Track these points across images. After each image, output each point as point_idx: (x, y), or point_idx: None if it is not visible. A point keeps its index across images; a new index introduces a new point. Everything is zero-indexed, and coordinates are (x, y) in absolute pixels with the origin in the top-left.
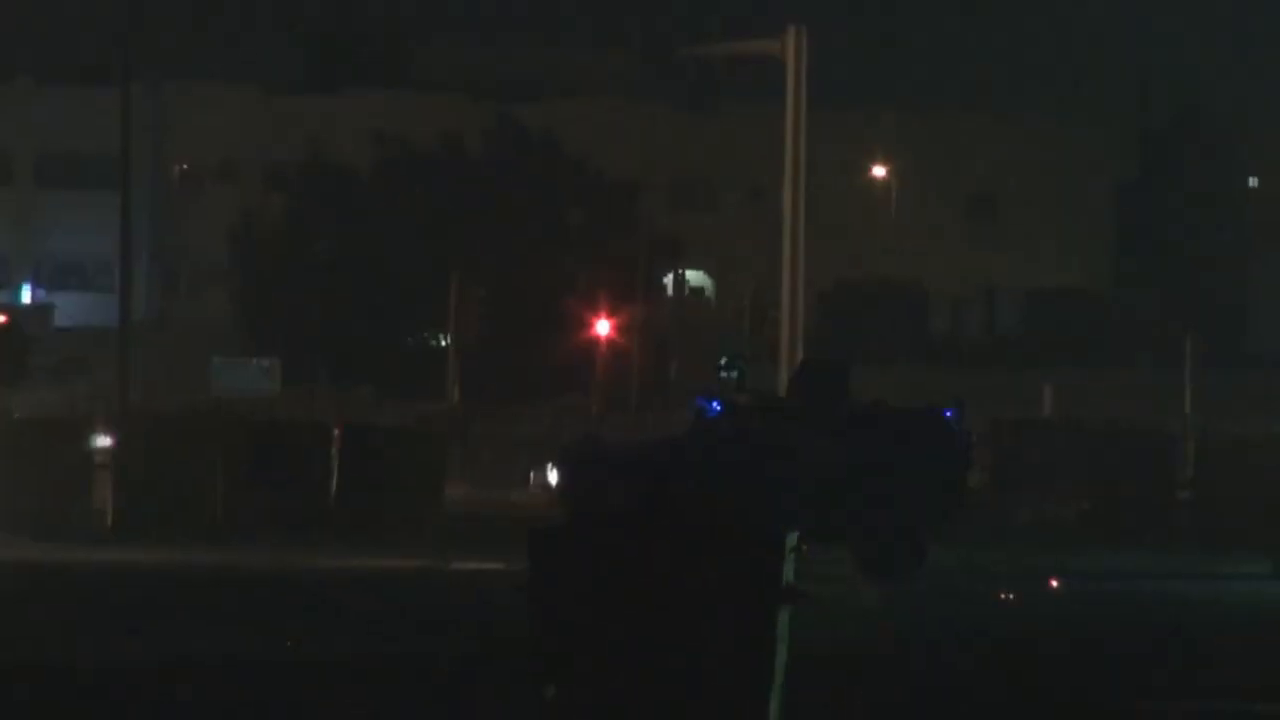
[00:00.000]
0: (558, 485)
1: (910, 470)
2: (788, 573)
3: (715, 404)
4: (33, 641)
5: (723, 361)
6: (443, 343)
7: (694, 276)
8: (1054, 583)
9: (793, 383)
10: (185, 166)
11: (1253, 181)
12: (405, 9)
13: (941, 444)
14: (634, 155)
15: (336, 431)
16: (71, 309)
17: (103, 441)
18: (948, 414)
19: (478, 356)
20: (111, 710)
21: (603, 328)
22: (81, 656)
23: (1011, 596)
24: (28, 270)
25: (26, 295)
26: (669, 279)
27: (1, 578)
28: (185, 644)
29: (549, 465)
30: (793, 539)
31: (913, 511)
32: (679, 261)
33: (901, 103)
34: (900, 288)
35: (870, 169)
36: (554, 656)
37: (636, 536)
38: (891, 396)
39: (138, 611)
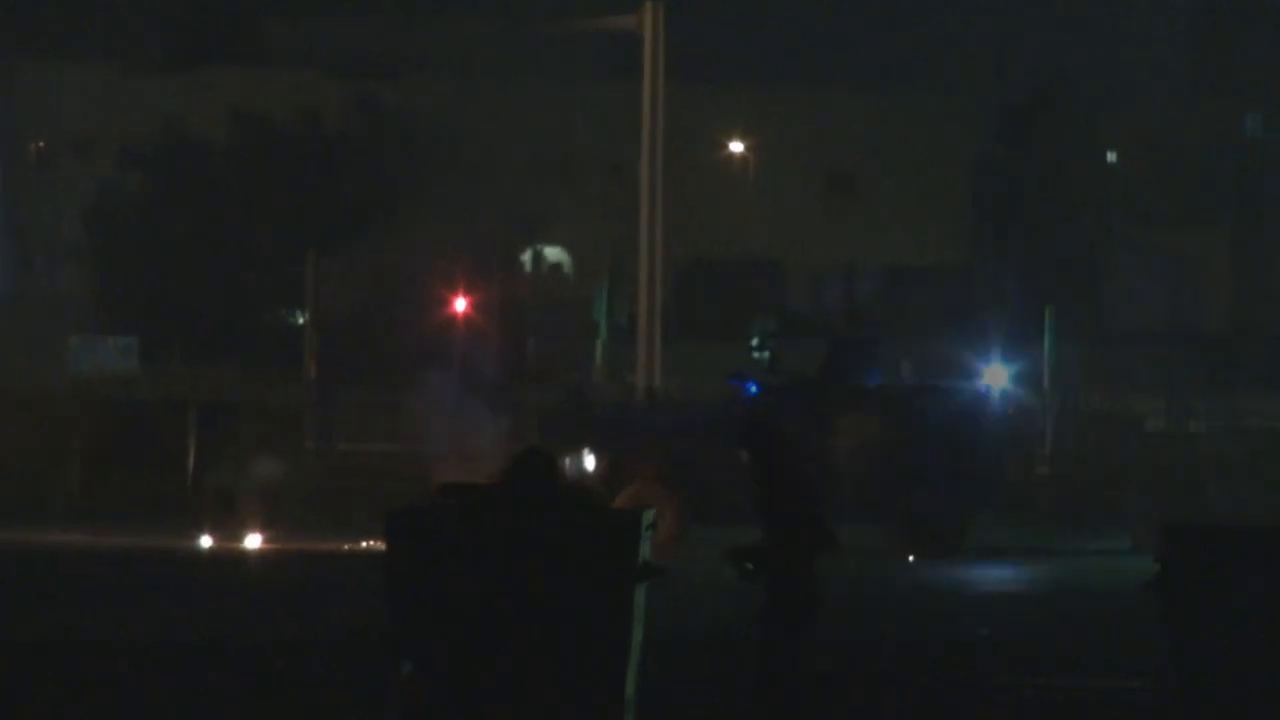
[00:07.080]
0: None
1: (955, 449)
2: (644, 550)
3: (752, 385)
4: None
5: (754, 341)
6: (300, 320)
7: (552, 253)
8: (910, 558)
9: (824, 362)
10: (41, 144)
11: (1111, 156)
12: None
13: (982, 423)
14: (492, 131)
15: (192, 411)
16: None
17: None
18: (984, 390)
19: (337, 335)
20: None
21: (459, 305)
22: None
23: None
24: None
25: None
26: (527, 255)
27: None
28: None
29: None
30: (649, 516)
31: (957, 491)
32: (537, 237)
33: (760, 79)
34: (759, 264)
35: (728, 145)
36: (410, 633)
37: (494, 514)
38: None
39: None
